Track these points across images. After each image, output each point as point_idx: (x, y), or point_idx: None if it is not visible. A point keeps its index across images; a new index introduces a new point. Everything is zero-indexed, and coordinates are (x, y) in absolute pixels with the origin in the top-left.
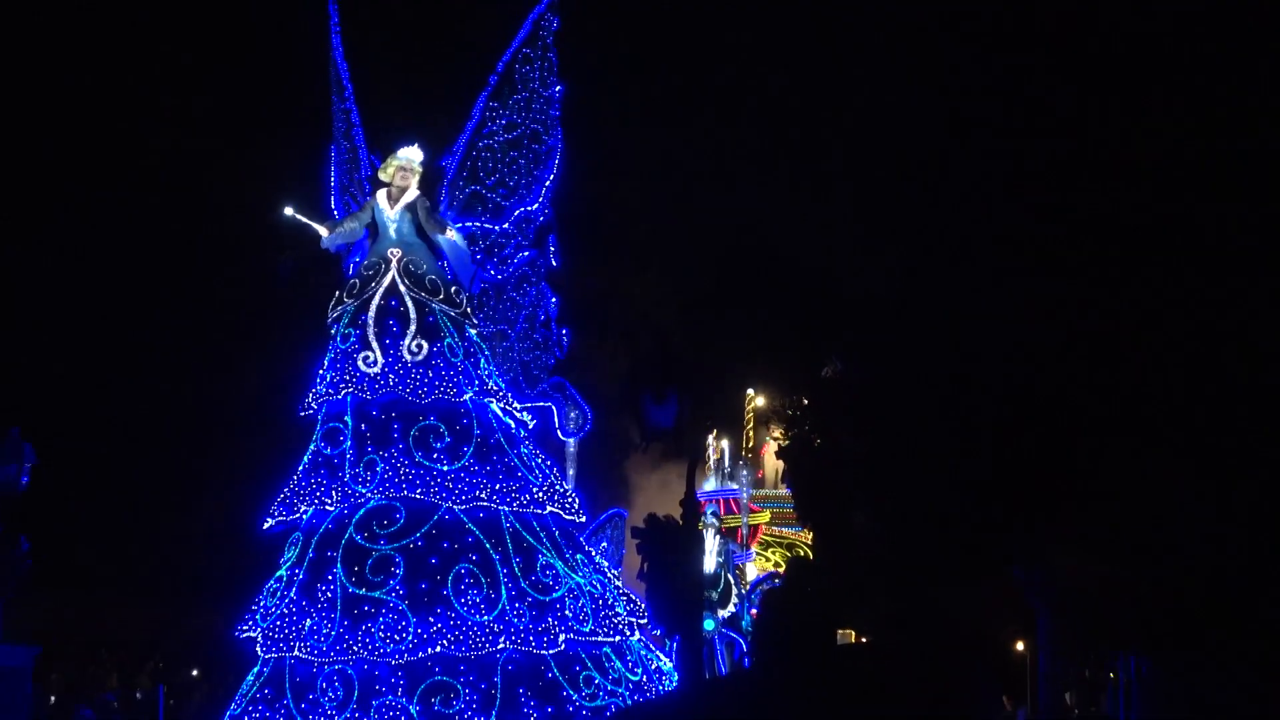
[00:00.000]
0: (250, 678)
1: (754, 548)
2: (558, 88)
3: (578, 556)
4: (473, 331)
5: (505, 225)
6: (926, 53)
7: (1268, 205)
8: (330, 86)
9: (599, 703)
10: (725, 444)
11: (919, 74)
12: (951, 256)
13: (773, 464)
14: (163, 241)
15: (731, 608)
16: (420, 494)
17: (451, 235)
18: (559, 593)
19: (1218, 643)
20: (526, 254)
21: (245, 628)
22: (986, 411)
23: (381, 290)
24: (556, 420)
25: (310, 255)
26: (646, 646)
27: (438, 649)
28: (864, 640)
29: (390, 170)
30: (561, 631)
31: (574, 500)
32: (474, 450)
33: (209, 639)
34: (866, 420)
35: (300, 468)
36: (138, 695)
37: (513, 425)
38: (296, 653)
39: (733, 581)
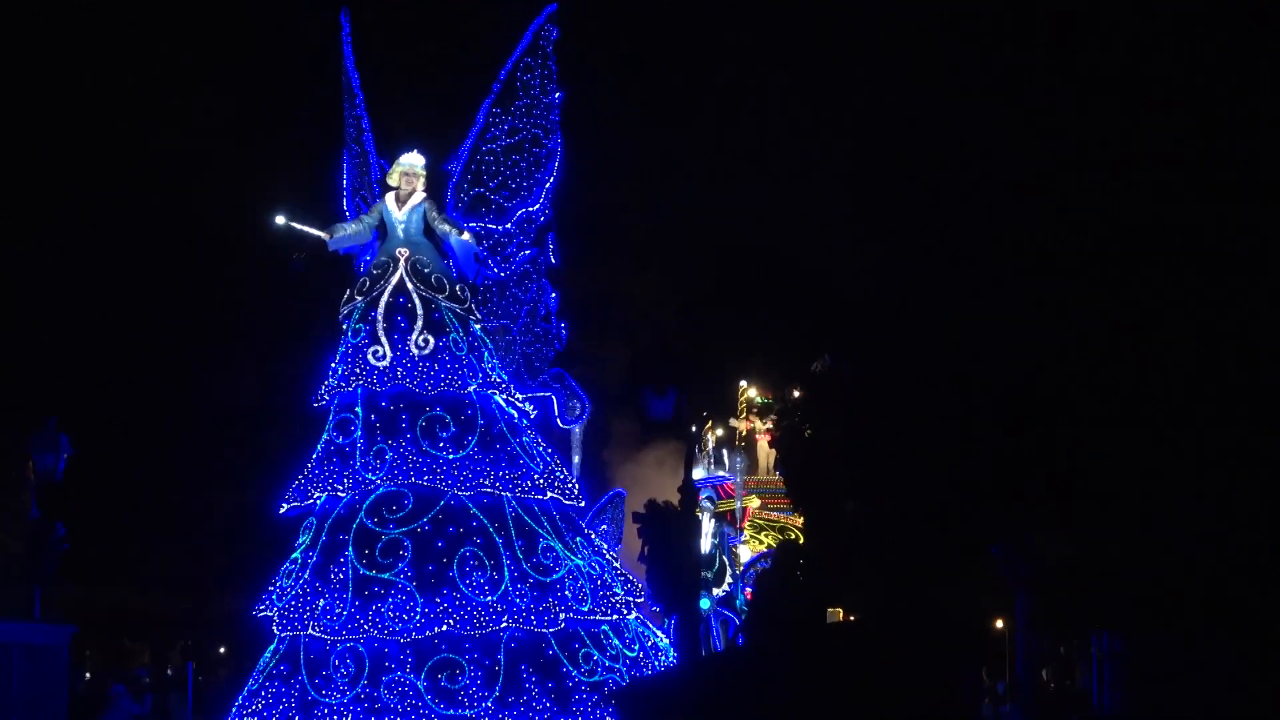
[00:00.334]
0: (267, 654)
1: (746, 530)
2: (557, 94)
3: (577, 539)
4: (476, 326)
5: (508, 225)
6: (926, 53)
7: (1268, 205)
8: (342, 94)
9: (597, 678)
10: (719, 433)
11: (919, 74)
12: (931, 250)
13: (766, 452)
14: (170, 242)
15: (726, 586)
16: (427, 481)
17: (465, 237)
18: (559, 574)
19: (1187, 620)
20: (528, 252)
21: (262, 607)
22: (971, 403)
23: (390, 288)
24: (556, 409)
25: (321, 254)
26: (644, 624)
27: (444, 628)
28: (852, 619)
29: (395, 175)
30: (561, 611)
31: (573, 486)
32: (478, 439)
33: (235, 619)
34: (854, 412)
35: (314, 456)
36: (169, 672)
37: (515, 415)
38: (311, 631)
39: (727, 563)
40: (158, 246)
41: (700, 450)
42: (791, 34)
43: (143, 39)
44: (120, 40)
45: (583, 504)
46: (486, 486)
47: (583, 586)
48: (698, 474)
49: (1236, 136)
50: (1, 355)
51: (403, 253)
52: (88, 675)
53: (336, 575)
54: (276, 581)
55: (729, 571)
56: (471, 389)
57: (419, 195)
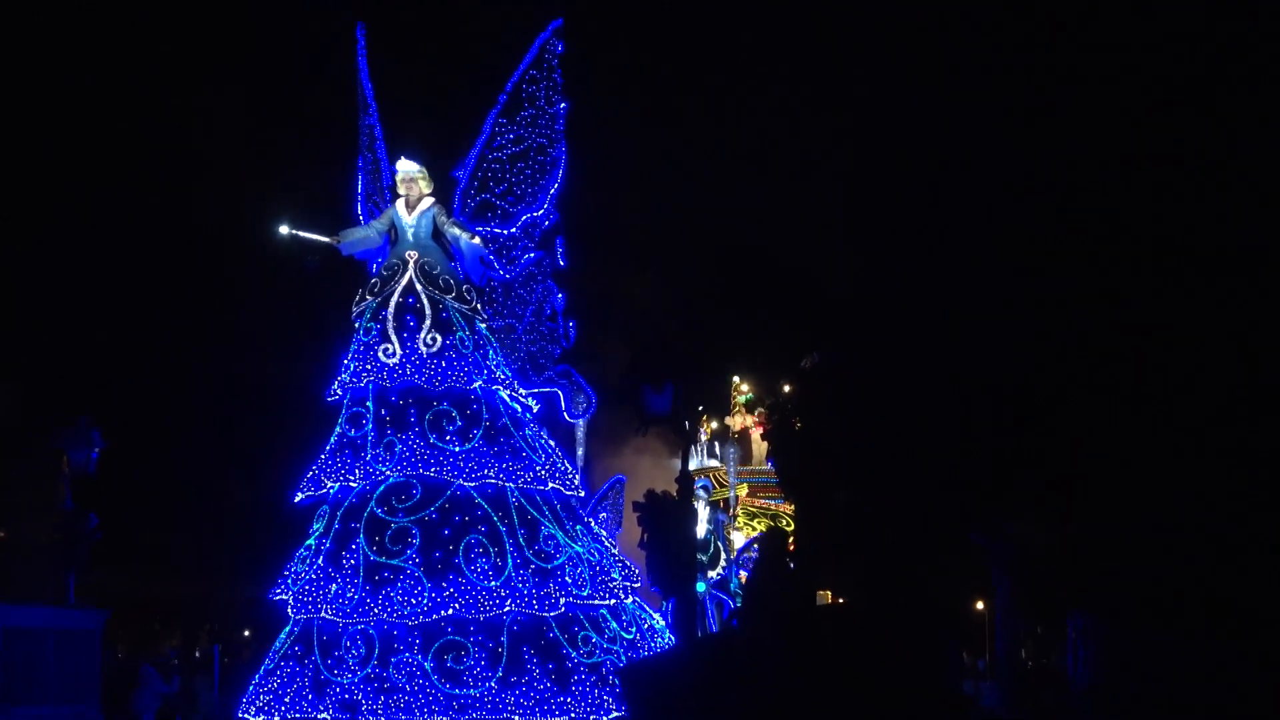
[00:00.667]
0: (282, 636)
1: (739, 517)
2: (562, 105)
3: (577, 528)
4: (482, 325)
5: (513, 229)
6: (926, 53)
7: (1268, 205)
8: (357, 104)
9: (596, 659)
10: (714, 426)
11: (919, 74)
12: (931, 250)
13: (758, 444)
14: (173, 244)
15: (720, 569)
16: (434, 472)
17: (475, 241)
18: (560, 560)
19: (1156, 602)
20: (532, 255)
21: (278, 591)
22: (959, 401)
23: (400, 289)
24: (563, 404)
25: (333, 256)
26: (641, 607)
27: (450, 611)
28: (840, 601)
29: (397, 182)
30: (562, 595)
31: (574, 476)
32: (483, 433)
33: (258, 604)
34: (843, 407)
35: (327, 448)
36: (197, 654)
37: (519, 410)
38: (324, 614)
39: (721, 548)
40: (162, 248)
41: (696, 444)
42: (791, 34)
43: (143, 39)
44: (120, 40)
45: (582, 494)
46: (491, 477)
47: (582, 572)
48: (692, 465)
49: (1236, 136)
50: (36, 354)
51: (412, 255)
52: (120, 657)
53: (348, 561)
54: (292, 567)
55: (723, 556)
56: (477, 385)
57: (427, 200)
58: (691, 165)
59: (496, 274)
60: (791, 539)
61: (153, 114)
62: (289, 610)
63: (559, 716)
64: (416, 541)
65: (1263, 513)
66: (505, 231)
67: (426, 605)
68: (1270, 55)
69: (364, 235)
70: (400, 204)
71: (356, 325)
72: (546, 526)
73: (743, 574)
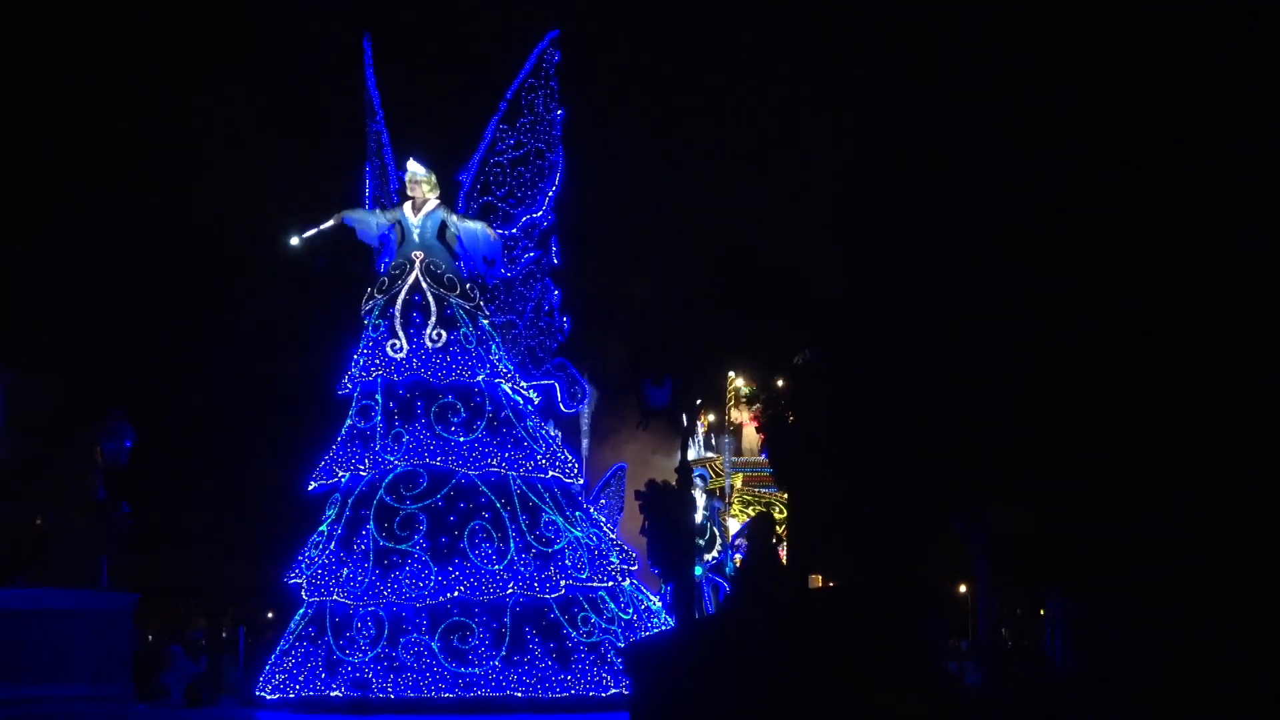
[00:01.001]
0: (297, 618)
1: (734, 505)
2: (559, 111)
3: (576, 514)
4: (485, 321)
5: (514, 230)
6: (926, 53)
7: (1268, 205)
8: (359, 105)
9: (595, 639)
10: (710, 419)
11: (919, 74)
12: (931, 250)
13: (751, 436)
14: (177, 245)
15: (716, 553)
16: (440, 461)
17: (490, 233)
18: (560, 545)
19: (1125, 584)
20: (532, 254)
21: (293, 575)
22: (949, 397)
23: (406, 287)
24: (559, 395)
25: (339, 238)
26: (638, 590)
27: (456, 594)
28: (830, 585)
29: (407, 183)
30: (562, 578)
31: (574, 465)
32: (486, 424)
33: (279, 587)
34: (834, 402)
35: (338, 439)
36: (223, 635)
37: (520, 401)
38: (335, 597)
39: (718, 533)
40: (179, 253)
41: (692, 434)
42: (791, 34)
43: (143, 39)
44: (120, 40)
45: (582, 481)
46: (494, 466)
47: (581, 556)
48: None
49: (1236, 136)
50: (69, 349)
51: (418, 255)
52: (149, 637)
53: (359, 546)
54: (305, 552)
55: (719, 541)
56: (480, 378)
57: (433, 203)
58: (691, 166)
59: (498, 272)
60: (781, 525)
61: (153, 114)
62: (303, 593)
63: (560, 693)
64: (423, 527)
65: (1263, 513)
66: (507, 232)
67: (433, 588)
68: (1270, 55)
69: (365, 215)
70: (407, 206)
71: (365, 322)
72: (547, 513)
73: (737, 557)
